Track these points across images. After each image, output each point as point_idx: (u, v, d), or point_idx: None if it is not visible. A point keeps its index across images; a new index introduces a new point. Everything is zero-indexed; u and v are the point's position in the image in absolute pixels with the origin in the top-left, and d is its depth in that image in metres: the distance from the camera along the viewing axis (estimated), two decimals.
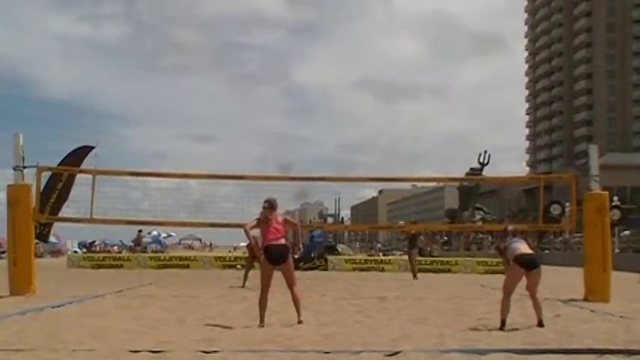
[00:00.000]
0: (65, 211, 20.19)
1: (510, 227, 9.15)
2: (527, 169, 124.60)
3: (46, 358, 6.14)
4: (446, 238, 56.60)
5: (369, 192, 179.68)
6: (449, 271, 27.19)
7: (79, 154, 25.43)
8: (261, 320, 8.64)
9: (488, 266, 26.68)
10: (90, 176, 15.06)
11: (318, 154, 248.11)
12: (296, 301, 8.90)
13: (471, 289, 16.57)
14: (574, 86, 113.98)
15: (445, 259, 31.37)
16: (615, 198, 36.60)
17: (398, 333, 7.94)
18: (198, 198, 17.39)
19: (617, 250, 32.09)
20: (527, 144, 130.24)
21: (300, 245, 9.53)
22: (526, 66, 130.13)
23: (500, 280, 8.70)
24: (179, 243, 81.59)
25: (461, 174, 51.81)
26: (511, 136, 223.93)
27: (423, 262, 27.28)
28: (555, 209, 36.51)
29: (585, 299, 12.58)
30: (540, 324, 8.44)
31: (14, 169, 13.38)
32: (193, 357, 6.25)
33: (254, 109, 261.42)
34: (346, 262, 29.27)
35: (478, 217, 56.87)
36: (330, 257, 30.79)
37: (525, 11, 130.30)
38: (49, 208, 21.20)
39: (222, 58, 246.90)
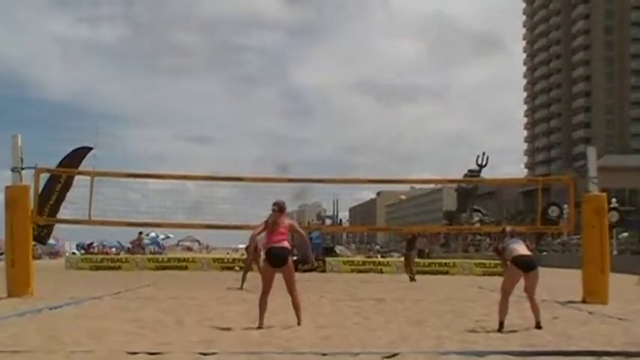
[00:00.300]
0: (63, 212, 20.19)
1: (508, 228, 9.15)
2: (526, 171, 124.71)
3: (44, 359, 6.13)
4: (444, 239, 56.65)
5: (368, 194, 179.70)
6: (447, 272, 27.23)
7: (78, 156, 25.42)
8: (260, 322, 8.63)
9: (486, 268, 26.72)
10: (88, 178, 15.04)
11: (317, 155, 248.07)
12: (296, 307, 8.91)
13: (469, 290, 16.58)
14: (572, 88, 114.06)
15: (443, 260, 31.39)
16: (613, 200, 36.64)
17: (396, 335, 7.94)
18: (197, 199, 17.37)
19: (615, 252, 32.13)
20: (525, 146, 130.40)
21: (309, 256, 9.41)
22: (524, 68, 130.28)
23: (497, 281, 8.71)
24: (177, 244, 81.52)
25: (459, 176, 51.95)
26: (509, 138, 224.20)
27: (421, 264, 27.29)
28: (553, 211, 36.55)
29: (583, 301, 12.59)
30: (538, 326, 8.44)
31: (12, 170, 13.37)
32: (191, 359, 6.25)
33: (252, 110, 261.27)
34: (344, 264, 29.30)
35: (476, 218, 56.94)
36: (328, 259, 30.81)
37: (524, 13, 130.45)
38: (48, 210, 21.20)
39: (220, 60, 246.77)
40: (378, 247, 72.78)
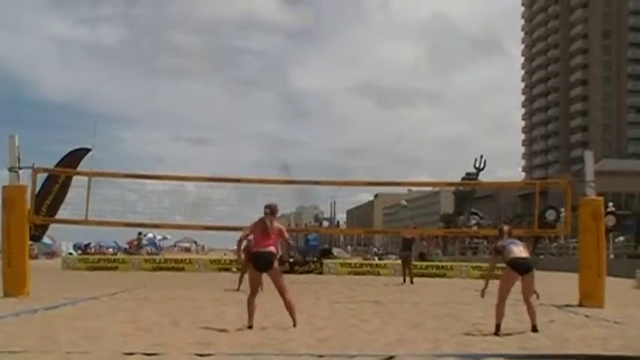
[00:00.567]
0: (61, 212, 20.18)
1: (506, 227, 9.12)
2: (523, 174, 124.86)
3: None
4: (441, 243, 56.67)
5: (365, 196, 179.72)
6: (444, 275, 27.23)
7: (76, 157, 25.49)
8: (250, 321, 8.64)
9: (483, 271, 26.67)
10: (86, 178, 15.04)
11: (315, 158, 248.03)
12: (289, 309, 8.87)
13: (466, 293, 16.55)
14: (570, 92, 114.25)
15: (440, 263, 31.42)
16: (610, 204, 36.69)
17: (393, 337, 7.94)
18: (194, 201, 17.39)
19: (611, 256, 32.15)
20: (523, 149, 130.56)
21: (291, 253, 9.45)
22: (522, 72, 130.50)
23: (495, 285, 8.70)
24: (174, 246, 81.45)
25: (457, 179, 51.95)
26: (507, 141, 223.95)
27: (419, 267, 27.30)
28: (550, 215, 36.60)
29: (580, 305, 12.59)
30: (534, 329, 8.44)
31: (9, 170, 13.36)
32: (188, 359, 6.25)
33: (251, 112, 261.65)
34: (342, 266, 29.31)
35: (473, 222, 56.94)
36: (325, 261, 30.83)
37: (522, 17, 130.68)
38: (45, 210, 21.20)
39: (219, 62, 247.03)
40: (375, 249, 72.70)
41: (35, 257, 34.49)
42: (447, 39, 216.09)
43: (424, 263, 30.24)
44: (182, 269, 28.31)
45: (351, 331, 8.62)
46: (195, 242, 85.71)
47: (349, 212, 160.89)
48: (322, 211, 71.60)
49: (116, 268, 28.28)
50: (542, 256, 41.28)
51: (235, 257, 21.67)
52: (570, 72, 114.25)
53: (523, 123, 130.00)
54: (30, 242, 17.67)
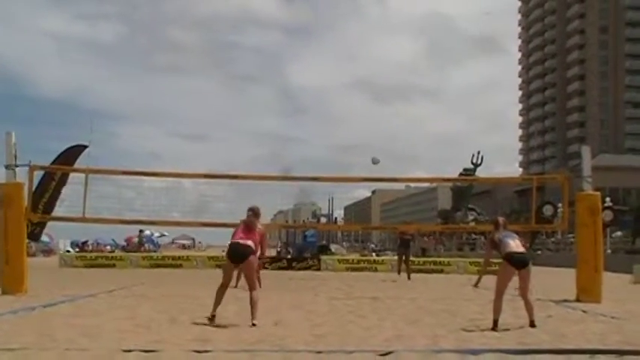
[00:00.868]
0: (58, 210, 20.17)
1: (501, 219, 9.10)
2: (520, 169, 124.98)
3: (38, 357, 6.12)
4: (439, 239, 56.66)
5: (363, 192, 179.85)
6: (442, 271, 27.24)
7: (72, 153, 25.44)
8: (213, 311, 8.73)
9: (480, 267, 26.68)
10: (83, 175, 15.02)
11: (312, 154, 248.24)
12: (252, 304, 8.71)
13: (464, 289, 16.58)
14: (567, 88, 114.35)
15: (438, 259, 31.44)
16: (607, 199, 36.72)
17: (391, 333, 7.95)
18: (192, 198, 17.39)
19: (608, 251, 32.18)
20: (520, 145, 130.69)
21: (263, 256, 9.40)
22: (519, 67, 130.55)
23: (492, 280, 8.71)
24: (172, 242, 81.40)
25: (454, 175, 51.93)
26: (504, 137, 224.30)
27: (416, 263, 27.32)
28: (548, 210, 36.59)
29: (577, 300, 12.62)
30: (532, 324, 8.45)
31: (6, 167, 13.34)
32: (186, 356, 6.24)
33: (248, 109, 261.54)
34: (339, 262, 29.32)
35: (471, 217, 56.93)
36: (323, 257, 30.86)
37: (519, 12, 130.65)
38: (42, 207, 21.17)
39: (216, 58, 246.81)
40: (372, 245, 72.68)
41: (33, 255, 34.42)
42: (444, 35, 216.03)
43: (422, 259, 30.25)
44: (180, 266, 28.32)
45: (348, 327, 8.62)
46: (193, 239, 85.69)
47: (347, 208, 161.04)
48: (320, 207, 71.69)
49: (114, 265, 28.26)
50: (539, 252, 41.33)
51: None
52: (567, 67, 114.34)
53: (520, 119, 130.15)
54: (28, 241, 17.66)
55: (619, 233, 40.96)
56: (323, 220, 60.35)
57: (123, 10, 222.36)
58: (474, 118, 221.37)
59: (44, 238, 40.58)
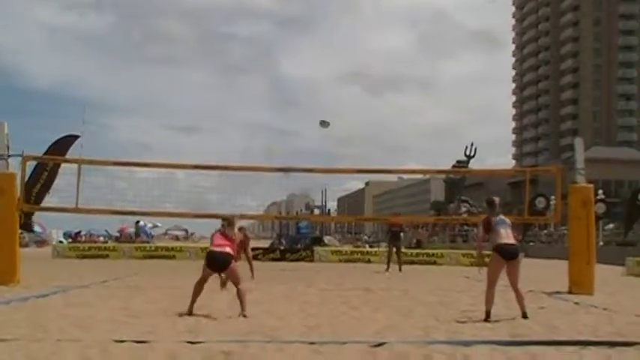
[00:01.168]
0: (50, 200, 20.10)
1: (497, 199, 8.99)
2: (513, 162, 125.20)
3: (30, 348, 6.10)
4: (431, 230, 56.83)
5: (356, 184, 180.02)
6: (434, 263, 27.31)
7: (64, 144, 25.33)
8: (192, 303, 8.82)
9: (473, 258, 26.78)
10: (75, 166, 14.97)
11: (304, 145, 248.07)
12: (240, 297, 8.75)
13: (456, 281, 16.64)
14: (560, 80, 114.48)
15: (431, 251, 31.50)
16: (600, 191, 36.85)
17: (383, 324, 7.96)
18: (184, 189, 17.34)
19: (601, 244, 32.35)
20: (513, 137, 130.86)
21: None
22: (513, 59, 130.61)
23: (484, 272, 8.72)
24: (165, 234, 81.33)
25: (447, 166, 52.05)
26: (497, 129, 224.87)
27: (409, 255, 27.39)
28: (540, 202, 36.70)
29: (569, 292, 12.66)
30: (524, 316, 8.47)
31: None
32: (178, 347, 6.23)
33: (240, 100, 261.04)
34: (332, 254, 29.38)
35: (464, 209, 57.11)
36: (316, 248, 30.90)
37: (513, 4, 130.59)
38: (33, 198, 21.09)
39: (208, 49, 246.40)
40: (366, 237, 72.82)
41: (26, 245, 34.37)
42: (436, 27, 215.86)
43: (414, 251, 30.30)
44: (173, 257, 28.33)
45: (341, 318, 8.63)
46: (186, 230, 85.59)
47: (340, 200, 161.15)
48: (313, 199, 71.79)
49: (107, 256, 28.25)
50: (531, 244, 41.49)
51: None
52: (561, 60, 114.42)
53: (513, 111, 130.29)
54: (21, 231, 17.60)
55: (611, 225, 41.14)
56: (316, 211, 60.50)
57: (114, 0, 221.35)
58: (467, 110, 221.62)
59: (36, 228, 40.52)
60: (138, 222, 37.19)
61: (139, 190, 16.66)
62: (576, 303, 10.79)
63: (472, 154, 58.31)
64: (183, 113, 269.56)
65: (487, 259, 8.87)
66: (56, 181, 20.89)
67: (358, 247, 41.40)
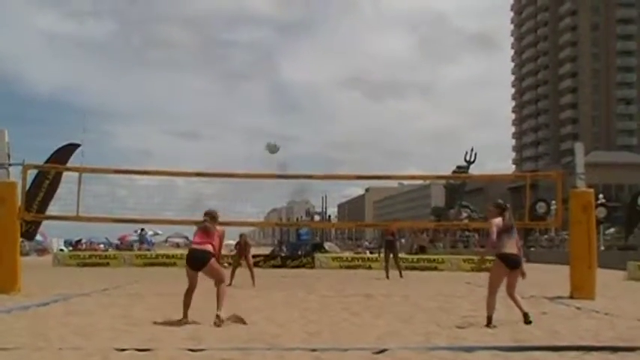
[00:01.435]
0: (51, 209, 20.10)
1: (508, 211, 8.89)
2: (513, 167, 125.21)
3: (32, 357, 6.10)
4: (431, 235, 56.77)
5: (356, 190, 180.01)
6: (435, 268, 27.28)
7: (65, 152, 25.37)
8: (184, 316, 8.74)
9: (474, 264, 26.75)
10: (76, 174, 14.97)
11: (305, 151, 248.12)
12: (218, 295, 8.73)
13: (457, 286, 16.62)
14: (559, 85, 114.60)
15: (432, 256, 31.47)
16: (600, 196, 36.85)
17: (384, 331, 7.95)
18: (185, 196, 17.35)
19: (602, 248, 32.31)
20: (513, 142, 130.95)
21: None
22: (512, 64, 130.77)
23: (485, 277, 8.72)
24: (165, 241, 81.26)
25: (448, 172, 52.04)
26: (497, 134, 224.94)
27: (410, 260, 27.39)
28: (541, 207, 36.72)
29: (571, 297, 12.64)
30: (526, 318, 8.41)
31: None
32: (180, 355, 6.23)
33: (241, 106, 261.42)
34: (333, 260, 29.34)
35: (464, 214, 57.07)
36: (317, 255, 30.88)
37: (511, 9, 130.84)
38: (36, 207, 21.10)
39: (209, 55, 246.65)
40: (367, 243, 72.71)
41: (26, 254, 34.31)
42: (436, 31, 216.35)
43: (415, 257, 30.27)
44: (174, 264, 28.23)
45: (342, 324, 8.62)
46: (187, 237, 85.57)
47: (340, 206, 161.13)
48: (314, 205, 71.70)
49: (107, 264, 28.22)
50: (532, 249, 41.45)
51: (232, 252, 21.67)
52: (560, 64, 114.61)
53: (513, 115, 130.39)
54: (22, 239, 17.61)
55: (612, 230, 41.14)
56: (317, 218, 60.44)
57: (114, 7, 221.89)
58: (467, 115, 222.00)
59: (38, 237, 40.48)
60: (142, 230, 37.13)
61: (139, 197, 16.68)
62: (578, 308, 10.78)
63: (472, 159, 58.26)
64: (184, 119, 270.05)
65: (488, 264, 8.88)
66: (57, 190, 20.88)
67: (359, 253, 41.38)
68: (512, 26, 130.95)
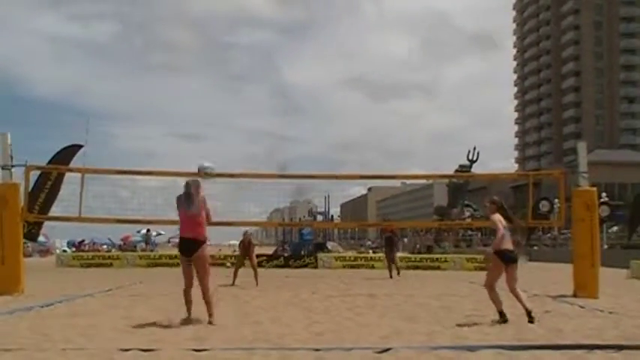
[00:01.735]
0: (54, 210, 20.10)
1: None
2: (516, 165, 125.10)
3: (35, 357, 6.11)
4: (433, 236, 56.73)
5: (359, 189, 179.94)
6: (438, 268, 27.27)
7: (68, 153, 25.33)
8: (188, 313, 8.74)
9: (477, 263, 26.76)
10: (79, 175, 14.97)
11: (308, 152, 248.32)
12: (206, 301, 8.63)
13: (460, 285, 16.60)
14: (562, 84, 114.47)
15: (435, 256, 31.47)
16: (603, 194, 36.81)
17: (388, 330, 7.95)
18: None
19: (605, 246, 32.30)
20: (515, 141, 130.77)
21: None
22: (515, 63, 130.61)
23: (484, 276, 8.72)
24: (168, 241, 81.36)
25: (450, 171, 51.99)
26: (500, 133, 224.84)
27: (413, 260, 27.39)
28: (544, 206, 36.68)
29: (574, 295, 12.63)
30: (529, 314, 8.40)
31: (2, 168, 13.28)
32: (184, 355, 6.24)
33: (243, 108, 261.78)
34: (336, 260, 29.34)
35: (467, 214, 56.99)
36: (320, 255, 30.88)
37: (514, 9, 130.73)
38: (38, 208, 21.11)
39: (211, 57, 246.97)
40: (369, 242, 72.70)
41: (29, 255, 34.38)
42: (439, 31, 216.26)
43: (419, 256, 30.28)
44: (177, 265, 28.18)
45: (346, 324, 8.62)
46: None
47: (343, 206, 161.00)
48: (316, 205, 71.69)
49: (110, 264, 28.28)
50: (535, 247, 41.43)
51: (235, 252, 21.67)
52: (562, 63, 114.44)
53: (516, 115, 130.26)
54: (25, 241, 17.61)
55: (615, 228, 41.11)
56: (319, 217, 60.43)
57: (117, 9, 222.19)
58: (470, 115, 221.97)
59: (40, 238, 40.55)
60: (148, 230, 37.12)
61: (142, 198, 16.66)
62: (581, 306, 10.76)
63: (475, 158, 58.16)
64: (187, 121, 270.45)
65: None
66: (60, 191, 20.88)
67: (361, 252, 41.37)
68: (514, 25, 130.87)
